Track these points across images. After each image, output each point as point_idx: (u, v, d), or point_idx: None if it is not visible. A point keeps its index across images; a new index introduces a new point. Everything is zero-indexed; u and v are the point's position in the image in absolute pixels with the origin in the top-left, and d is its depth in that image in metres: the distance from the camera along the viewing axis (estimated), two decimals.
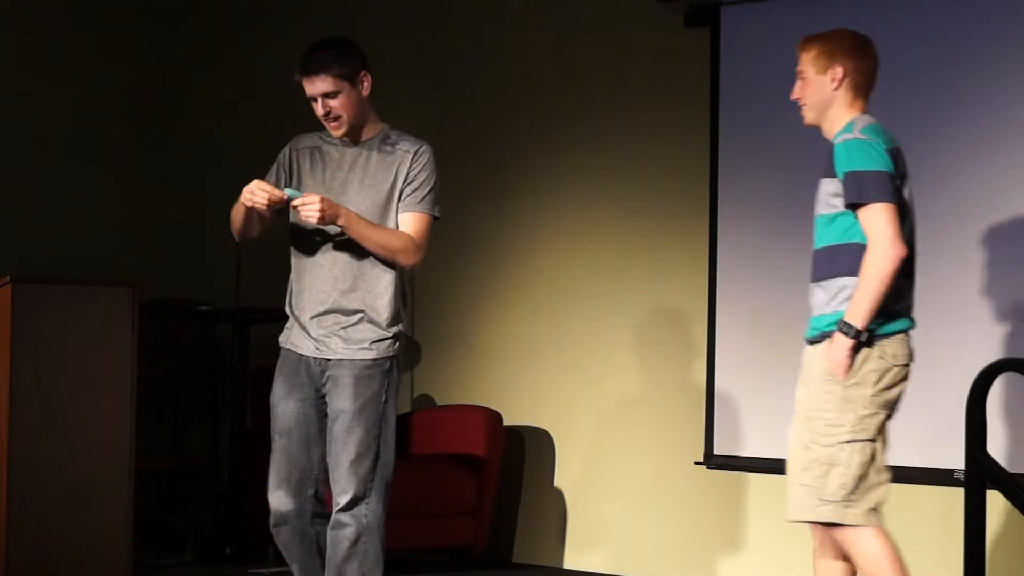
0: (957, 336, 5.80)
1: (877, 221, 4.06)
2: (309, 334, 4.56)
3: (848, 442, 4.13)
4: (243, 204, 4.46)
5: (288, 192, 4.44)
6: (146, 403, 6.32)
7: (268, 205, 4.40)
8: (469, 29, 7.45)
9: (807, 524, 4.24)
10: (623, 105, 6.85)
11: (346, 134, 4.59)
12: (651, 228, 6.74)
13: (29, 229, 7.53)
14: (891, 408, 4.20)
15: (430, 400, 7.48)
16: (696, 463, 6.48)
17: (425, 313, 7.50)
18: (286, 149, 4.68)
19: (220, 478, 7.66)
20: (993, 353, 5.48)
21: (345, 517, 4.48)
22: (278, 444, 4.57)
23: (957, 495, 5.32)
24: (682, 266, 6.66)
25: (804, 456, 4.18)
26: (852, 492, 4.13)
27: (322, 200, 4.37)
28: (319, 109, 4.55)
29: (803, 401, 4.27)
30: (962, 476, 5.07)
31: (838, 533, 4.18)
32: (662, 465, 6.64)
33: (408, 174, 4.56)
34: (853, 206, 4.11)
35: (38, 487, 5.80)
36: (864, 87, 4.31)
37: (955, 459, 5.45)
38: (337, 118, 4.55)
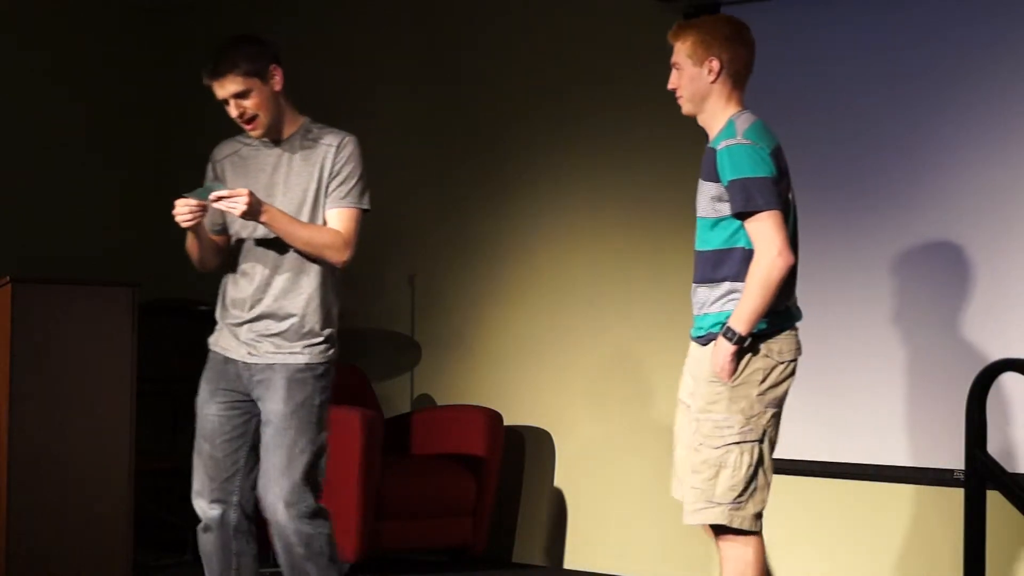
0: (957, 336, 5.80)
1: (765, 230, 4.04)
2: (239, 338, 4.42)
3: (737, 443, 4.08)
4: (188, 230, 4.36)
5: (208, 185, 4.31)
6: (146, 403, 6.32)
7: (194, 218, 4.27)
8: (468, 29, 7.45)
9: (701, 527, 4.19)
10: (623, 105, 6.84)
11: (265, 134, 4.42)
12: (651, 228, 6.74)
13: (29, 229, 7.53)
14: (779, 405, 4.18)
15: (430, 400, 7.48)
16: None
17: (425, 313, 7.50)
18: (208, 163, 4.54)
19: None
20: (993, 353, 5.48)
21: (288, 524, 4.35)
22: (202, 449, 4.44)
23: (957, 495, 5.32)
24: (682, 266, 6.63)
25: (694, 458, 4.13)
26: (741, 494, 4.08)
27: (249, 194, 4.21)
28: (233, 111, 4.38)
29: (691, 396, 4.22)
30: (962, 476, 5.07)
31: (719, 534, 4.14)
32: (662, 465, 6.63)
33: (332, 168, 4.40)
34: (740, 215, 4.08)
35: (38, 487, 5.80)
36: (742, 77, 4.22)
37: (955, 459, 5.45)
38: (253, 118, 4.37)
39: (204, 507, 4.44)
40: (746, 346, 4.06)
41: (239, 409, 4.44)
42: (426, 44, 7.62)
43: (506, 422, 6.92)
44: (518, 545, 7.10)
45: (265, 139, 4.44)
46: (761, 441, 4.12)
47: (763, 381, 4.11)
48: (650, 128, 6.76)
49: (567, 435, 7.01)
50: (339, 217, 4.39)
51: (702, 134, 6.58)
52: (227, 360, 4.44)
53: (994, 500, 4.93)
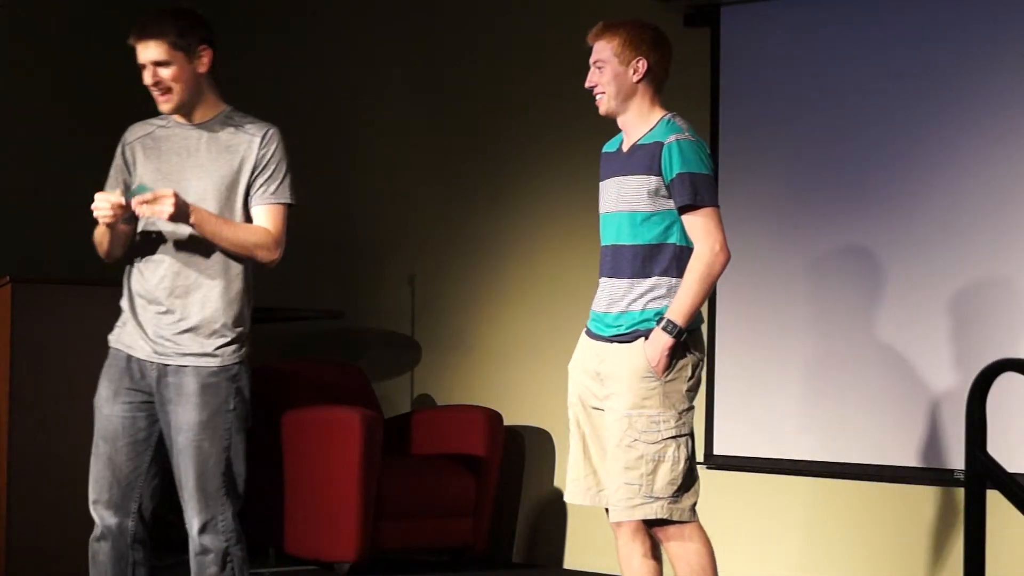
0: (957, 336, 5.80)
1: (709, 225, 4.14)
2: (146, 335, 4.14)
3: (674, 438, 4.15)
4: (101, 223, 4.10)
5: (137, 189, 4.13)
6: None
7: (115, 216, 4.05)
8: (468, 29, 7.45)
9: (619, 524, 4.23)
10: None
11: (175, 111, 4.19)
12: None
13: (29, 229, 7.53)
14: (694, 401, 4.27)
15: (430, 400, 7.48)
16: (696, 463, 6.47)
17: (425, 313, 7.50)
18: (120, 145, 4.31)
19: None
20: (993, 353, 5.47)
21: (207, 541, 4.15)
22: (101, 451, 4.18)
23: (957, 495, 5.32)
24: None
25: (627, 454, 4.16)
26: (679, 488, 4.15)
27: (175, 196, 4.00)
28: (148, 78, 4.17)
29: (608, 398, 4.23)
30: (962, 476, 5.07)
31: (662, 530, 4.18)
32: None
33: (257, 162, 4.16)
34: (684, 208, 4.14)
35: (38, 487, 5.79)
36: (662, 81, 4.32)
37: (955, 459, 5.45)
38: (167, 90, 4.15)
39: (102, 514, 4.20)
40: (682, 339, 4.13)
41: (144, 411, 4.17)
42: (426, 44, 7.61)
43: (506, 422, 6.92)
44: (518, 545, 7.10)
45: (181, 120, 4.22)
46: (691, 435, 4.21)
47: (691, 377, 4.19)
48: None
49: (567, 435, 6.99)
50: (268, 214, 4.17)
51: (704, 135, 6.60)
52: (131, 359, 4.17)
53: (994, 500, 4.92)
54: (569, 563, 6.93)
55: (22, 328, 5.82)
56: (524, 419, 7.11)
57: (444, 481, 6.72)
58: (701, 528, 4.22)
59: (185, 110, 4.21)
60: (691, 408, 4.21)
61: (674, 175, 4.15)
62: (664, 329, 4.12)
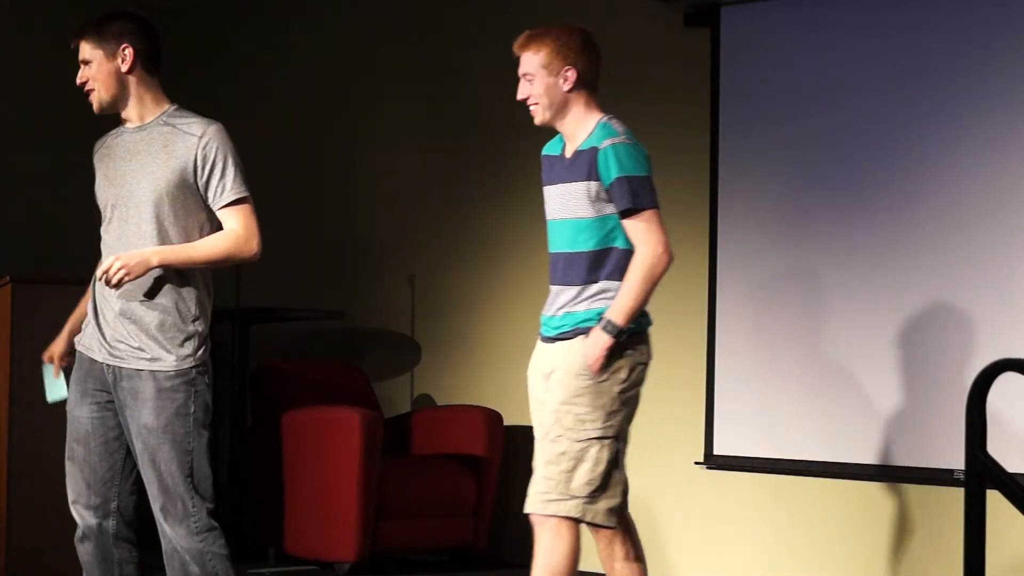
0: (957, 336, 5.80)
1: (651, 228, 4.13)
2: (104, 337, 4.13)
3: (598, 439, 4.14)
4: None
5: (56, 389, 4.31)
6: None
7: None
8: (468, 28, 7.45)
9: (542, 517, 4.20)
10: (623, 105, 6.80)
11: (100, 109, 4.20)
12: None
13: (29, 229, 7.53)
14: (633, 406, 4.24)
15: (430, 400, 7.48)
16: (696, 463, 6.47)
17: (425, 313, 7.49)
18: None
19: (219, 478, 7.64)
20: (993, 353, 5.47)
21: (180, 541, 4.10)
22: (76, 453, 4.16)
23: (957, 495, 5.32)
24: (682, 266, 6.62)
25: (551, 448, 4.16)
26: (596, 490, 4.13)
27: (118, 260, 3.99)
28: (78, 78, 4.24)
29: (547, 391, 4.25)
30: (962, 476, 5.07)
31: (546, 523, 4.14)
32: (662, 465, 6.64)
33: (199, 162, 4.11)
34: (626, 212, 4.12)
35: (38, 487, 5.79)
36: (594, 84, 4.31)
37: (955, 459, 5.44)
38: (90, 90, 4.20)
39: (82, 514, 4.18)
40: (621, 340, 4.11)
41: (111, 411, 4.15)
42: (426, 44, 7.61)
43: (506, 422, 6.91)
44: (518, 545, 7.09)
45: (131, 126, 4.21)
46: (618, 439, 4.18)
47: (626, 380, 4.17)
48: (650, 128, 6.74)
49: None
50: (231, 215, 4.13)
51: (704, 135, 6.61)
52: (92, 361, 4.17)
53: (994, 500, 4.92)
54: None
55: (22, 328, 5.82)
56: (524, 419, 7.04)
57: (444, 481, 6.72)
58: (574, 537, 4.17)
59: (112, 109, 4.22)
60: (622, 411, 4.17)
61: (612, 180, 4.14)
62: (603, 328, 4.12)
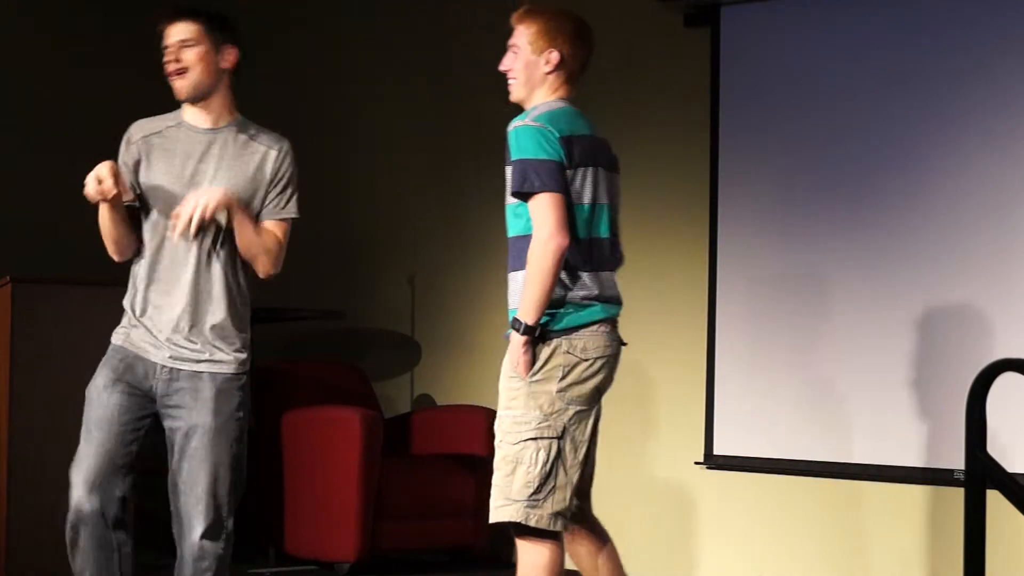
0: (957, 336, 5.80)
1: (538, 211, 3.91)
2: (158, 339, 4.17)
3: (533, 439, 3.97)
4: (102, 205, 4.13)
5: None
6: None
7: (102, 192, 4.06)
8: (468, 28, 7.45)
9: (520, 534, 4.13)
10: (623, 105, 6.84)
11: (188, 96, 4.18)
12: (651, 228, 6.73)
13: (29, 229, 7.53)
14: (588, 403, 4.02)
15: (430, 400, 7.48)
16: (696, 463, 6.47)
17: (425, 313, 7.49)
18: (124, 142, 4.31)
19: None
20: (993, 353, 5.48)
21: (208, 546, 4.15)
22: (93, 437, 4.18)
23: (957, 495, 5.32)
24: (682, 266, 6.66)
25: (496, 455, 4.07)
26: (537, 491, 4.00)
27: (224, 191, 4.07)
28: (169, 60, 4.16)
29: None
30: (962, 476, 5.07)
31: (519, 538, 4.06)
32: (662, 465, 6.64)
33: (275, 177, 4.22)
34: (515, 195, 3.97)
35: (38, 487, 5.79)
36: (576, 75, 4.19)
37: (955, 459, 5.45)
38: (183, 72, 4.15)
39: (86, 498, 4.14)
40: (538, 336, 3.94)
41: (139, 406, 4.18)
42: (426, 44, 7.61)
43: None
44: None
45: (193, 123, 4.22)
46: (561, 438, 3.98)
47: (563, 378, 3.96)
48: (650, 128, 6.76)
49: None
50: (278, 228, 4.23)
51: (704, 135, 6.62)
52: (139, 358, 4.19)
53: (994, 500, 4.92)
54: (569, 563, 6.91)
55: (22, 328, 5.82)
56: None
57: (444, 481, 6.73)
58: (558, 546, 4.05)
59: (197, 101, 4.20)
60: (567, 410, 3.98)
61: (509, 163, 4.00)
62: (512, 326, 3.97)
